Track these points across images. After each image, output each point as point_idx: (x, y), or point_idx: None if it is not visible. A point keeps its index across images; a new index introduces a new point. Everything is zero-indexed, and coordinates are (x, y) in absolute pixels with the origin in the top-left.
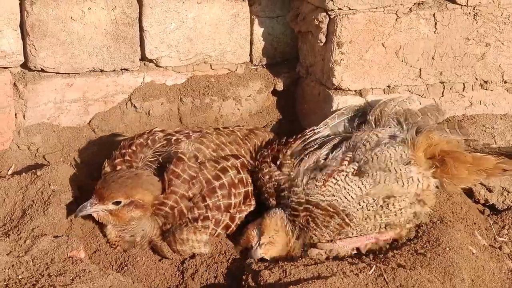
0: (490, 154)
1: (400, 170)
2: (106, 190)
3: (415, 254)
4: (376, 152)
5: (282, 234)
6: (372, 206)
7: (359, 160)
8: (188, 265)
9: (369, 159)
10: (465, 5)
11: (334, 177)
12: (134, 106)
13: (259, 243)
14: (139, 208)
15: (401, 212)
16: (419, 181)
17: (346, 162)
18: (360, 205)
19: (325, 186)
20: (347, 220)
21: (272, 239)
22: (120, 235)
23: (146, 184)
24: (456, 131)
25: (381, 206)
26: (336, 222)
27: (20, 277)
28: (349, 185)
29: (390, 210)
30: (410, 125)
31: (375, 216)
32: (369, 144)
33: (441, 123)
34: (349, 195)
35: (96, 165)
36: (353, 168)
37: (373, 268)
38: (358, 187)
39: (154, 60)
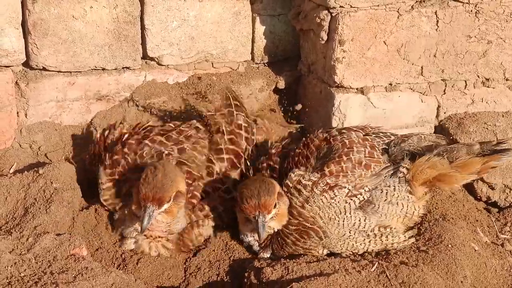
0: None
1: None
2: (163, 192)
3: (417, 251)
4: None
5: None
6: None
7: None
8: (191, 263)
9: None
10: (466, 3)
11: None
12: (136, 105)
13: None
14: (181, 196)
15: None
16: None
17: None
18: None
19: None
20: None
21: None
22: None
23: (180, 172)
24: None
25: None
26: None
27: (22, 274)
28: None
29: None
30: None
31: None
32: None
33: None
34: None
35: None
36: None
37: (376, 265)
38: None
39: (155, 59)
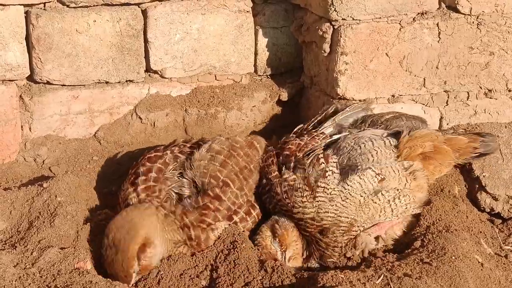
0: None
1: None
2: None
3: (421, 263)
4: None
5: (300, 244)
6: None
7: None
8: (199, 276)
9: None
10: (468, 14)
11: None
12: (140, 118)
13: (285, 258)
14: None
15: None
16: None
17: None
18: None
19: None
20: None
21: (296, 251)
22: None
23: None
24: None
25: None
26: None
27: None
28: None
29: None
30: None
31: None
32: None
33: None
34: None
35: (101, 176)
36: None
37: (380, 278)
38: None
39: (159, 72)
